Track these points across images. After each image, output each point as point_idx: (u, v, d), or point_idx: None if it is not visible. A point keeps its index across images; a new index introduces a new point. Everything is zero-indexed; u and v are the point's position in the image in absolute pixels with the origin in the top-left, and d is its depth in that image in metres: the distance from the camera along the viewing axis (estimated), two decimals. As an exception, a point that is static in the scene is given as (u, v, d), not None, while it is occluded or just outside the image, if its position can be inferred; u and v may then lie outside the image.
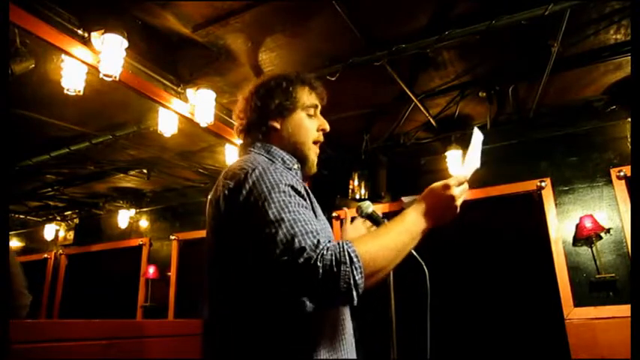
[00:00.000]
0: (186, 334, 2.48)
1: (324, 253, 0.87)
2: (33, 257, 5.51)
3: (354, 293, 0.87)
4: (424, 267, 1.28)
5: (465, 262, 3.65)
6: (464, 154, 1.31)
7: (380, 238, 0.98)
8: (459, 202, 1.09)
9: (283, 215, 0.93)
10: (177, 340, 2.43)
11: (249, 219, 0.97)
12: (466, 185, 1.11)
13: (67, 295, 5.27)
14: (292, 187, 1.01)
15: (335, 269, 0.86)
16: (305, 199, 1.04)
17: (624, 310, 2.91)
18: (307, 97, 1.24)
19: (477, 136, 1.22)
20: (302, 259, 0.87)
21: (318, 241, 0.89)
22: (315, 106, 1.26)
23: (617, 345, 2.83)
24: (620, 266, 3.05)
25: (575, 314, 3.07)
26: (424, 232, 1.05)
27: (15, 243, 5.79)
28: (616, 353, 2.83)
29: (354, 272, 0.87)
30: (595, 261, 3.11)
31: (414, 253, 1.25)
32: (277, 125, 1.21)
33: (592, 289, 3.10)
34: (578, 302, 3.09)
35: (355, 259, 0.88)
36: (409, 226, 1.03)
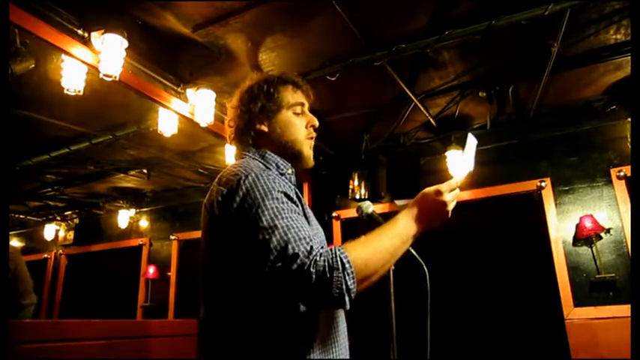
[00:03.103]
0: (186, 334, 2.48)
1: (317, 259, 0.89)
2: (33, 257, 5.51)
3: (347, 298, 0.89)
4: (424, 267, 1.29)
5: (465, 261, 3.65)
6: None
7: (372, 243, 0.99)
8: (450, 207, 1.11)
9: (276, 222, 0.94)
10: (177, 340, 2.43)
11: (243, 225, 0.98)
12: (458, 190, 1.13)
13: (67, 295, 5.28)
14: (285, 194, 1.03)
15: (328, 275, 0.88)
16: (297, 206, 1.05)
17: (624, 310, 2.91)
18: (291, 95, 1.25)
19: (471, 141, 1.23)
20: (295, 266, 0.88)
21: (311, 247, 0.91)
22: (302, 104, 1.27)
23: (617, 345, 2.83)
24: (620, 266, 3.05)
25: (575, 314, 3.07)
26: (415, 236, 1.06)
27: (15, 243, 5.79)
28: (616, 353, 2.83)
29: (347, 278, 0.89)
30: (595, 261, 3.12)
31: (414, 253, 1.26)
32: (265, 128, 1.22)
33: (592, 289, 3.10)
34: (578, 302, 3.09)
35: (347, 265, 0.90)
36: (400, 230, 1.04)
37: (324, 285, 0.87)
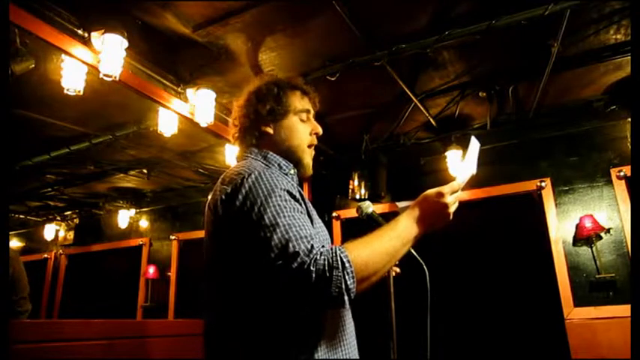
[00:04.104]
0: (186, 334, 2.48)
1: (317, 258, 0.89)
2: (33, 257, 5.51)
3: (346, 297, 0.89)
4: (424, 267, 1.29)
5: (465, 261, 3.65)
6: (463, 154, 1.32)
7: (372, 244, 0.99)
8: (451, 210, 1.11)
9: (278, 220, 0.95)
10: (177, 340, 2.43)
11: (246, 223, 0.98)
12: (460, 193, 1.13)
13: (67, 295, 5.27)
14: (288, 192, 1.03)
15: (327, 274, 0.88)
16: (300, 204, 1.06)
17: (624, 310, 2.91)
18: (299, 101, 1.27)
19: (474, 144, 1.24)
20: (295, 264, 0.89)
21: (312, 246, 0.91)
22: (308, 111, 1.28)
23: (617, 345, 2.83)
24: (620, 266, 3.05)
25: (575, 314, 3.07)
26: (416, 237, 1.07)
27: (15, 243, 5.79)
28: (616, 353, 2.83)
29: (346, 277, 0.89)
30: (595, 261, 3.11)
31: (414, 253, 1.26)
32: (270, 130, 1.23)
33: (592, 289, 3.10)
34: (578, 302, 3.09)
35: (347, 264, 0.90)
36: (402, 231, 1.04)
37: (324, 284, 0.88)
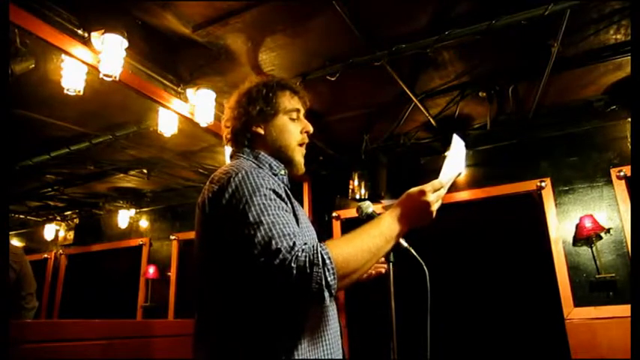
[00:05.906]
0: (186, 334, 2.47)
1: (299, 255, 0.91)
2: (33, 257, 5.50)
3: (326, 294, 0.91)
4: (424, 267, 1.29)
5: (465, 261, 3.65)
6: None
7: (354, 241, 1.01)
8: (434, 208, 1.12)
9: (262, 218, 0.97)
10: (177, 340, 2.43)
11: (231, 221, 1.00)
12: (443, 191, 1.14)
13: (67, 295, 5.28)
14: (273, 191, 1.05)
15: (308, 270, 0.90)
16: (286, 203, 1.07)
17: (624, 310, 2.91)
18: (289, 101, 1.28)
19: (457, 142, 1.24)
20: (277, 261, 0.91)
21: (294, 243, 0.93)
22: (297, 110, 1.30)
23: (617, 345, 2.83)
24: (620, 266, 3.05)
25: (575, 314, 3.07)
26: (399, 235, 1.09)
27: (15, 243, 5.78)
28: (616, 353, 2.83)
29: (326, 274, 0.91)
30: (595, 261, 3.11)
31: (414, 253, 1.26)
32: (261, 131, 1.25)
33: (592, 289, 3.10)
34: (578, 302, 3.09)
35: (328, 261, 0.92)
36: (384, 229, 1.06)
37: (304, 280, 0.89)
